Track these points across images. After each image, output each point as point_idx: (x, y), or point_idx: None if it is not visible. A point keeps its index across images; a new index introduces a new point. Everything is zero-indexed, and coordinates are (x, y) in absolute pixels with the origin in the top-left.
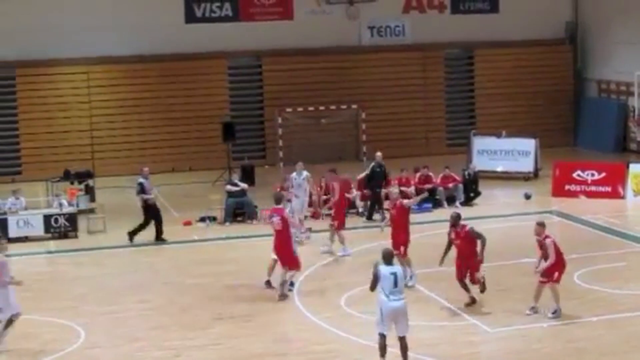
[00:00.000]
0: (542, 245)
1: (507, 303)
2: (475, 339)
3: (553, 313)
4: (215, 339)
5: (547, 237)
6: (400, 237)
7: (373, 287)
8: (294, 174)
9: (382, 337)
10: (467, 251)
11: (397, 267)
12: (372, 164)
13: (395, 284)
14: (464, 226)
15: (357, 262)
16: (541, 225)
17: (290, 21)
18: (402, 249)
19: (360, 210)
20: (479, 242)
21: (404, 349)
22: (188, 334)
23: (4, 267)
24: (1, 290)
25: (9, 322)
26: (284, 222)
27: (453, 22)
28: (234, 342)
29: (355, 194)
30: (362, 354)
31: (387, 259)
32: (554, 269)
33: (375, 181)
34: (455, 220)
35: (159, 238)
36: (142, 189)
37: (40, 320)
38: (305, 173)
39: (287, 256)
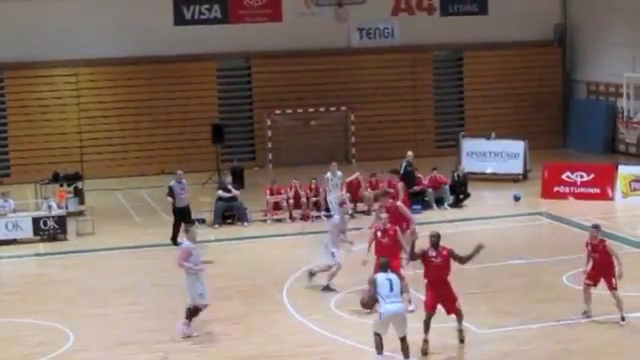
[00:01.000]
0: (598, 249)
1: (496, 305)
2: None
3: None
4: (204, 341)
5: (603, 240)
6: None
7: (374, 296)
8: (328, 174)
9: (378, 336)
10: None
11: (392, 275)
12: (404, 163)
13: (391, 288)
14: (444, 247)
15: (347, 264)
16: (597, 228)
17: (279, 23)
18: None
19: (350, 212)
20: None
21: (405, 349)
22: (177, 337)
23: (191, 254)
24: (193, 277)
25: (196, 310)
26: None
27: (442, 24)
28: (223, 344)
29: (346, 195)
30: (351, 356)
31: (383, 267)
32: (608, 274)
33: (407, 180)
34: (436, 240)
35: (174, 240)
36: (170, 192)
37: (29, 323)
38: (339, 173)
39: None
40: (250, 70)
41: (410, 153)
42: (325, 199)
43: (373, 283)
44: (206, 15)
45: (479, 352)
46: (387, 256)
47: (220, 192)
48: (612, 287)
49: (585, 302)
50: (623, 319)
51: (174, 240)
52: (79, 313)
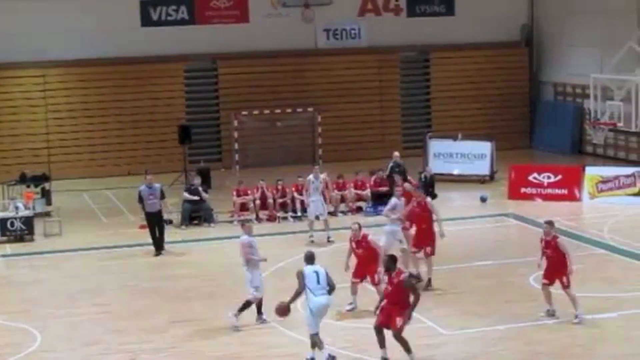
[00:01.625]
0: (550, 245)
1: (463, 306)
2: (431, 342)
3: (577, 317)
4: (172, 342)
5: (556, 236)
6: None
7: (301, 288)
8: (311, 177)
9: (317, 335)
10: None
11: (317, 267)
12: (391, 164)
13: (318, 281)
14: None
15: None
16: (549, 224)
17: (246, 24)
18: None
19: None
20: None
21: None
22: (144, 337)
23: (251, 246)
24: (254, 269)
25: (249, 303)
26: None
27: (409, 25)
28: (189, 345)
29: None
30: (318, 357)
31: (309, 260)
32: (561, 272)
33: (392, 181)
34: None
35: (157, 248)
36: (139, 198)
37: None
38: (322, 176)
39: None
40: (217, 72)
41: (396, 153)
42: (292, 200)
43: (300, 276)
44: (173, 17)
45: (446, 354)
46: (364, 267)
47: (186, 195)
48: (564, 286)
49: (547, 301)
50: (576, 317)
51: (158, 247)
52: (46, 314)
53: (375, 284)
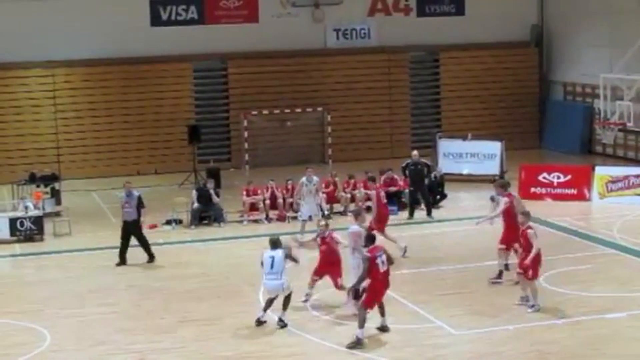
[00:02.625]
0: (522, 235)
1: (473, 305)
2: (440, 342)
3: (532, 307)
4: (180, 342)
5: (529, 227)
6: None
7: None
8: (303, 179)
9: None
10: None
11: (276, 252)
12: (408, 162)
13: (272, 266)
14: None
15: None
16: (524, 214)
17: (256, 24)
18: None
19: (326, 212)
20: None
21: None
22: (153, 337)
23: (360, 236)
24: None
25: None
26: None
27: (418, 25)
28: (198, 345)
29: (320, 196)
30: (327, 357)
31: (272, 245)
32: (530, 264)
33: (412, 180)
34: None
35: (121, 257)
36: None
37: (6, 323)
38: (315, 179)
39: None
40: (227, 71)
41: (415, 152)
42: (295, 202)
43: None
44: (183, 17)
45: (455, 353)
46: (324, 265)
47: (194, 195)
48: (526, 277)
49: (531, 294)
50: (532, 306)
51: (121, 257)
52: (55, 314)
53: (338, 287)
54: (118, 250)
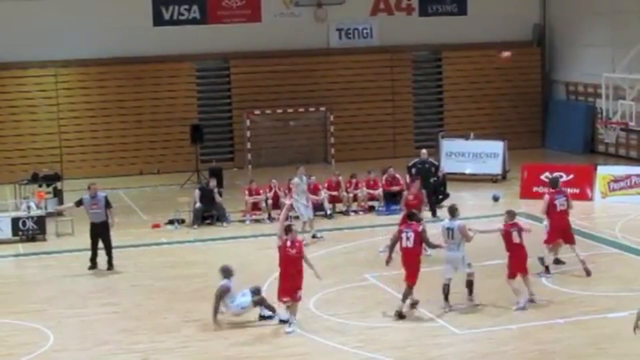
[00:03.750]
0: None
1: (475, 305)
2: (443, 341)
3: (517, 304)
4: (183, 341)
5: (514, 225)
6: None
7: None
8: (296, 179)
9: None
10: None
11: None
12: (415, 160)
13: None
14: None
15: (326, 265)
16: (509, 213)
17: (258, 23)
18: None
19: (328, 212)
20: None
21: None
22: (156, 337)
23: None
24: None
25: (470, 283)
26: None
27: (421, 25)
28: (201, 344)
29: (323, 195)
30: (330, 356)
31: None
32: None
33: (421, 179)
34: None
35: (92, 262)
36: (78, 202)
37: (9, 323)
38: (306, 178)
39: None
40: (229, 71)
41: (424, 151)
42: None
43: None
44: (185, 16)
45: (458, 353)
46: (294, 272)
47: (197, 195)
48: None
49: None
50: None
51: (93, 261)
52: (58, 313)
53: (295, 300)
54: (90, 254)
